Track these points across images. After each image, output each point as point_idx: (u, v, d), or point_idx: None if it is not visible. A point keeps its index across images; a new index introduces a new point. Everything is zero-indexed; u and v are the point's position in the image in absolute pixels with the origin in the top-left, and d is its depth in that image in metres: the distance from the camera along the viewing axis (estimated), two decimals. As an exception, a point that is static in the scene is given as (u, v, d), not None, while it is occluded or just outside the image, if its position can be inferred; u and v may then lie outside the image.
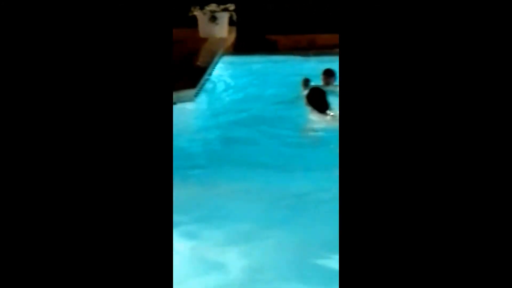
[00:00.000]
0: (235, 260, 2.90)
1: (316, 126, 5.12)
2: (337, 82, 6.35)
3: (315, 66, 6.89)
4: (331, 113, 5.15)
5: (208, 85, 7.19)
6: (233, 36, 9.88)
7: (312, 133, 5.03)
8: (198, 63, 7.87)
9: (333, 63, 6.96)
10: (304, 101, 5.46)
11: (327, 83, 6.27)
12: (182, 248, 2.93)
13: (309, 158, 4.46)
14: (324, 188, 3.58)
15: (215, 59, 8.24)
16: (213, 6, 9.69)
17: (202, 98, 6.62)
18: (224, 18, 9.78)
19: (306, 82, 6.39)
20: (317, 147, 4.71)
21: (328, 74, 6.32)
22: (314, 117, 5.23)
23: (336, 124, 4.92)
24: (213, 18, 9.66)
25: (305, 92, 5.86)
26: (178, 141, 3.05)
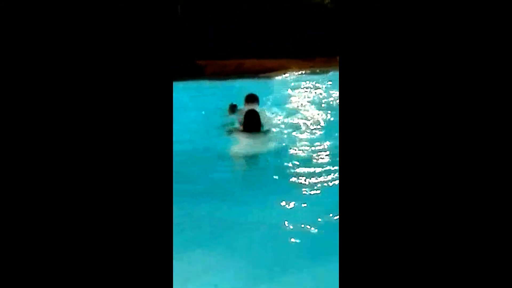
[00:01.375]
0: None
1: (247, 148, 5.08)
2: (260, 107, 6.24)
3: (242, 91, 6.70)
4: (265, 131, 5.18)
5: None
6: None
7: (242, 157, 4.98)
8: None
9: (258, 88, 7.14)
10: (237, 123, 5.38)
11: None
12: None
13: (240, 185, 4.37)
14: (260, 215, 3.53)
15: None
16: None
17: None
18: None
19: (233, 107, 6.22)
20: (250, 171, 4.66)
21: (250, 99, 6.09)
22: (244, 139, 5.17)
23: (267, 144, 5.05)
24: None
25: (232, 117, 5.75)
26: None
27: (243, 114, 5.32)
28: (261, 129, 5.24)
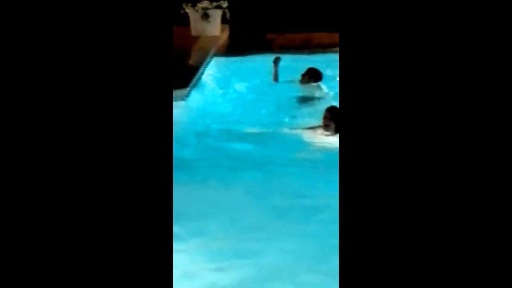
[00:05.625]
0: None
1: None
2: (326, 85, 6.35)
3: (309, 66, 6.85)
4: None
5: (200, 85, 7.10)
6: (226, 35, 9.71)
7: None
8: (190, 62, 7.72)
9: (328, 63, 7.01)
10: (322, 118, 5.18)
11: (305, 82, 6.51)
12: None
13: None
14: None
15: (207, 58, 8.08)
16: (205, 3, 9.50)
17: (194, 98, 6.54)
18: (216, 16, 9.59)
19: (276, 60, 6.79)
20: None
21: (310, 74, 6.49)
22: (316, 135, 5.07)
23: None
24: (205, 16, 9.48)
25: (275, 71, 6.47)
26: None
27: (325, 112, 5.04)
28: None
